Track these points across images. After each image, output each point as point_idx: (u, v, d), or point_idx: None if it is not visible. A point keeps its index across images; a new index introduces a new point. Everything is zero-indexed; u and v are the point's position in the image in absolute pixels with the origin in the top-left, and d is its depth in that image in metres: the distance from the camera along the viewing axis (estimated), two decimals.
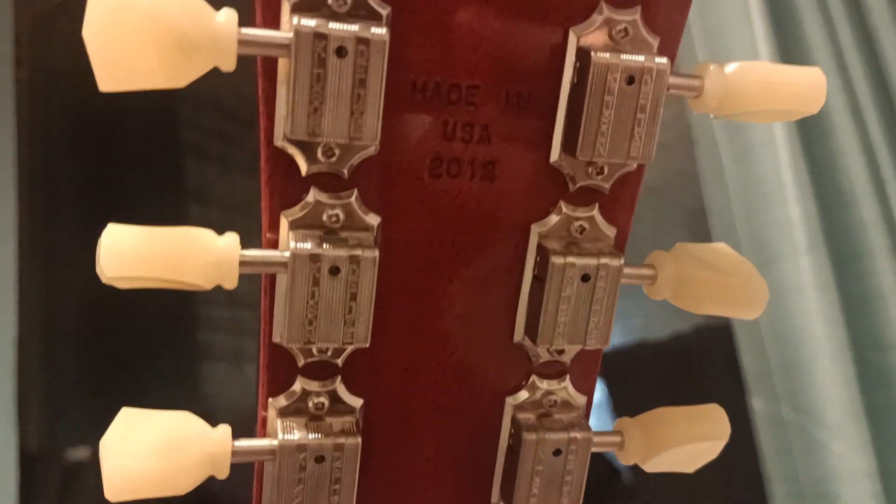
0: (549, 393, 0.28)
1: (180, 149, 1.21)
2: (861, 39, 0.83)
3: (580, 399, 0.28)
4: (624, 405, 1.16)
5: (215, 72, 0.21)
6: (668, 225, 1.22)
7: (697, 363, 1.17)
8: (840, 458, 0.83)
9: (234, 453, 0.24)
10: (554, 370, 0.28)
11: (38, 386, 1.09)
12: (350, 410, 0.26)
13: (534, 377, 0.28)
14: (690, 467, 0.29)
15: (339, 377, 0.26)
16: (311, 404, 0.25)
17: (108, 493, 0.23)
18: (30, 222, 0.96)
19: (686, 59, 0.88)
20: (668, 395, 1.15)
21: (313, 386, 0.25)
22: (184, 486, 0.23)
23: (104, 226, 0.22)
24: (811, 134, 0.84)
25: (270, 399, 0.25)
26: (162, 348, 1.19)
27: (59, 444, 1.09)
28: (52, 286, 1.07)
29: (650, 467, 0.29)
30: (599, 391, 1.19)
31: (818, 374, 0.84)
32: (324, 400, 0.25)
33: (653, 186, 1.21)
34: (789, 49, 0.84)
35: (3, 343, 0.87)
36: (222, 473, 0.24)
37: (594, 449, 0.27)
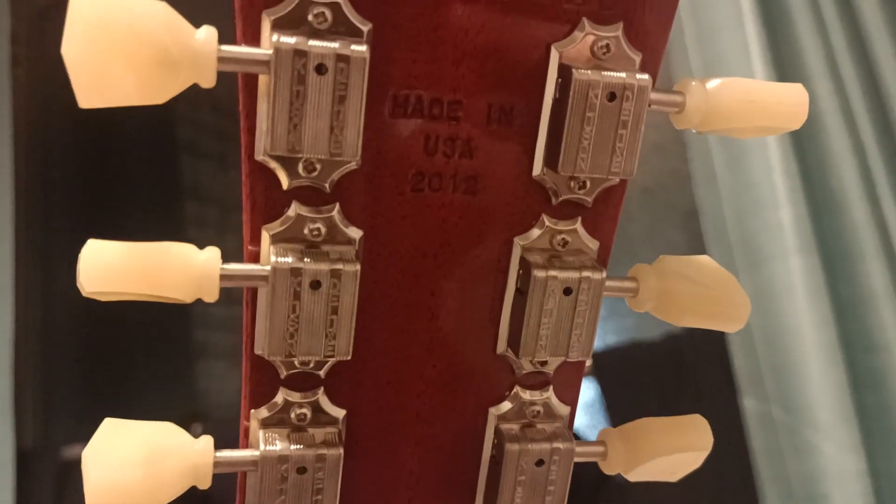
0: (531, 403, 0.28)
1: (177, 147, 1.21)
2: (853, 42, 0.83)
3: (563, 409, 0.28)
4: (616, 404, 1.16)
5: None
6: (663, 226, 1.22)
7: (690, 363, 1.17)
8: (830, 459, 0.84)
9: (216, 464, 0.24)
10: (537, 381, 0.28)
11: (35, 384, 1.09)
12: (332, 421, 0.26)
13: (517, 388, 0.28)
14: (673, 477, 0.29)
15: (322, 388, 0.26)
16: (293, 415, 0.26)
17: None
18: (27, 221, 0.96)
19: (678, 64, 0.88)
20: (660, 394, 1.16)
21: (295, 397, 0.26)
22: (165, 497, 0.24)
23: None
24: (803, 137, 0.84)
25: (253, 410, 0.25)
26: (157, 346, 1.19)
27: (55, 441, 1.09)
28: (49, 285, 1.07)
29: (633, 477, 0.29)
30: (592, 390, 1.19)
31: (809, 376, 0.84)
32: (306, 411, 0.26)
33: (648, 188, 1.21)
34: (782, 52, 0.84)
35: (0, 341, 0.87)
36: (204, 484, 0.24)
37: (577, 459, 0.28)
